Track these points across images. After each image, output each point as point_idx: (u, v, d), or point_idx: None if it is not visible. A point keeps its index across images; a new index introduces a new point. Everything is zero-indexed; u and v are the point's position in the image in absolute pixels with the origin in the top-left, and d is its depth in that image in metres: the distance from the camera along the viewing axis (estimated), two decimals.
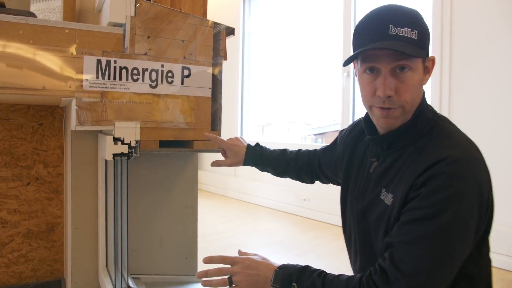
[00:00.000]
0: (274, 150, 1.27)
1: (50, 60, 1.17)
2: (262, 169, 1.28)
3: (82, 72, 1.20)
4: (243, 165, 1.27)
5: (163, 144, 1.31)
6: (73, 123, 1.22)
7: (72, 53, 1.19)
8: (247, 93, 4.49)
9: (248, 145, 1.28)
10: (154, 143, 1.29)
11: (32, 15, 1.22)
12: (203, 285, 0.91)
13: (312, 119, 3.84)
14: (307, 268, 0.89)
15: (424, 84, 0.91)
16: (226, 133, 1.40)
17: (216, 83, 1.39)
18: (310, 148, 1.32)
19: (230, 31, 1.43)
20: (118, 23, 1.26)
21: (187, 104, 1.34)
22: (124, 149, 1.24)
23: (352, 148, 1.07)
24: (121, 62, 1.25)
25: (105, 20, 1.33)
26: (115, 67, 1.24)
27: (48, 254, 1.61)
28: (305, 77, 3.83)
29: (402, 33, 0.82)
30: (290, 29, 3.94)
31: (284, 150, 1.27)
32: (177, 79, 1.32)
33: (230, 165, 1.28)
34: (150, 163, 1.53)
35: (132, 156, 1.26)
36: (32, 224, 1.58)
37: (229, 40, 1.48)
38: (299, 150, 1.27)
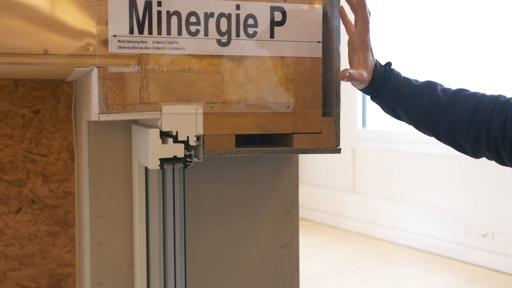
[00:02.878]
0: (415, 79, 1.37)
1: (54, 5, 1.20)
2: (387, 106, 1.36)
3: (106, 23, 1.23)
4: (369, 83, 1.34)
5: (242, 141, 1.34)
6: (93, 109, 1.25)
7: None
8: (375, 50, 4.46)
9: (377, 63, 1.37)
10: (228, 139, 1.31)
11: None
12: None
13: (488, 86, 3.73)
14: None
15: None
16: (341, 117, 1.40)
17: (329, 32, 1.39)
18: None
19: None
20: None
21: (282, 72, 1.35)
22: (179, 150, 1.26)
23: None
24: (170, 4, 1.27)
25: None
26: (159, 12, 1.26)
27: None
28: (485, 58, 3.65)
29: None
30: None
31: (432, 82, 1.35)
32: (264, 28, 1.33)
33: (361, 79, 1.34)
34: (220, 174, 1.55)
35: (191, 163, 1.28)
36: (26, 277, 1.59)
37: None
38: (464, 89, 1.34)
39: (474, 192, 3.69)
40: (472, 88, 1.31)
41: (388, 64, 1.35)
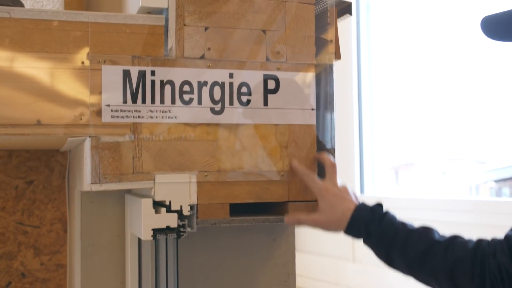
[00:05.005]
0: (410, 223, 1.33)
1: (48, 75, 1.21)
2: (378, 251, 1.34)
3: (99, 93, 1.24)
4: (345, 231, 1.33)
5: (237, 209, 1.33)
6: (85, 179, 1.25)
7: (83, 62, 1.24)
8: (369, 114, 4.40)
9: (362, 202, 1.34)
10: (222, 208, 1.31)
11: (18, 2, 1.27)
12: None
13: (489, 155, 3.66)
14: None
15: None
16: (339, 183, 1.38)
17: (323, 100, 1.40)
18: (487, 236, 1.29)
19: (345, 9, 1.43)
20: (155, 7, 1.30)
21: (276, 140, 1.35)
22: (172, 221, 1.25)
23: None
24: (163, 73, 1.29)
25: (133, 5, 1.37)
26: (153, 81, 1.28)
27: None
28: (472, 85, 3.67)
29: None
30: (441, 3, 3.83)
31: (428, 227, 1.32)
32: (257, 96, 1.34)
33: (317, 224, 1.34)
34: (215, 244, 1.52)
35: (185, 233, 1.27)
36: None
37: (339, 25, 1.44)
38: (457, 236, 1.31)
39: None
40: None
41: (379, 205, 1.34)
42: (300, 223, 1.34)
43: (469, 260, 1.24)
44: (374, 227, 1.29)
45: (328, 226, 1.33)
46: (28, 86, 1.20)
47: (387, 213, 1.32)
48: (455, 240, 1.28)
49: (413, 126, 4.13)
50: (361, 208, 1.31)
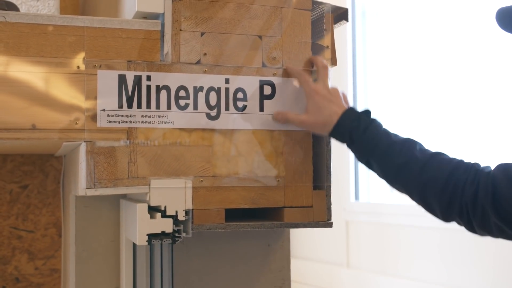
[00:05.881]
0: (395, 134, 1.34)
1: (43, 80, 1.21)
2: (361, 157, 1.35)
3: (95, 98, 1.24)
4: (329, 135, 1.35)
5: (232, 214, 1.33)
6: (80, 184, 1.25)
7: (78, 67, 1.24)
8: None
9: (350, 107, 1.35)
10: (217, 214, 1.30)
11: (13, 6, 1.28)
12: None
13: (489, 157, 3.64)
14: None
15: None
16: (334, 190, 1.38)
17: None
18: None
19: (341, 15, 1.43)
20: (151, 12, 1.30)
21: (271, 145, 1.35)
22: (167, 226, 1.25)
23: None
24: (159, 78, 1.29)
25: (128, 10, 1.36)
26: (148, 86, 1.28)
27: None
28: (468, 88, 3.67)
29: None
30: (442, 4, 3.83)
31: (412, 141, 1.33)
32: (253, 102, 1.34)
33: (303, 125, 1.35)
34: (210, 250, 1.53)
35: (180, 238, 1.27)
36: None
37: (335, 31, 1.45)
38: (442, 153, 1.32)
39: (471, 267, 3.66)
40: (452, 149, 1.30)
41: (367, 112, 1.35)
42: (288, 121, 1.34)
43: (442, 181, 1.26)
44: (357, 135, 1.31)
45: (314, 127, 1.35)
46: (23, 90, 1.19)
47: (373, 120, 1.33)
48: (435, 157, 1.30)
49: (409, 131, 4.13)
50: (348, 114, 1.32)
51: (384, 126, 1.34)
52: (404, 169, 1.29)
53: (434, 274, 3.91)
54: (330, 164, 1.39)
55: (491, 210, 1.17)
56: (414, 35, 4.06)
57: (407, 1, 4.11)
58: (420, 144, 1.32)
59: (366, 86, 4.44)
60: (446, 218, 1.29)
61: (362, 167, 4.45)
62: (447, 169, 1.27)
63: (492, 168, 1.23)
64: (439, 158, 1.30)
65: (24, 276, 1.65)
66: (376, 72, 4.40)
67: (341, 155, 4.32)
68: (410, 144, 1.31)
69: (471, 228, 1.27)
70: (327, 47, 1.39)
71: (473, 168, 1.25)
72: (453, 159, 1.29)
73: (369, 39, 4.44)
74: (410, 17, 4.09)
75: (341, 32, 4.23)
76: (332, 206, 1.39)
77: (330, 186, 1.39)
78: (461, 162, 1.28)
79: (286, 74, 1.36)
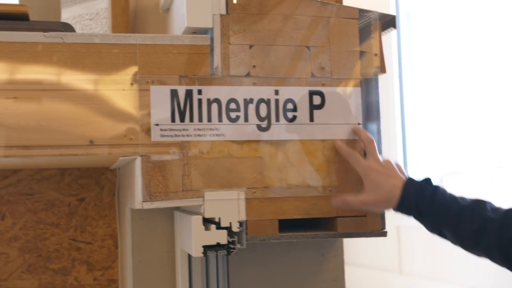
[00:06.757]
0: (461, 197, 1.28)
1: (99, 97, 1.24)
2: (432, 228, 1.30)
3: (148, 113, 1.27)
4: (396, 209, 1.30)
5: (285, 224, 1.33)
6: (137, 198, 1.27)
7: (132, 83, 1.26)
8: (412, 122, 4.37)
9: (409, 178, 1.30)
10: (271, 224, 1.31)
11: (69, 28, 1.32)
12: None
13: None
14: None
15: None
16: None
17: (369, 113, 1.40)
18: None
19: (388, 22, 1.43)
20: (200, 28, 1.32)
21: (323, 155, 1.35)
22: (222, 237, 1.26)
23: None
24: (210, 92, 1.30)
25: (178, 25, 1.39)
26: (200, 100, 1.30)
27: None
28: None
29: None
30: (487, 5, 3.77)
31: (481, 201, 1.26)
32: (303, 112, 1.35)
33: (365, 205, 1.32)
34: (264, 260, 1.53)
35: (234, 249, 1.27)
36: None
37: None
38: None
39: None
40: None
41: (427, 180, 1.30)
42: (348, 205, 1.32)
43: None
44: (424, 206, 1.26)
45: (377, 205, 1.31)
46: (81, 108, 1.22)
47: (437, 188, 1.28)
48: (510, 215, 1.23)
49: (458, 133, 4.07)
50: (410, 185, 1.28)
51: (448, 191, 1.29)
52: (482, 234, 1.23)
53: (491, 281, 3.84)
54: None
55: None
56: (461, 34, 4.01)
57: (453, 2, 4.06)
58: (489, 203, 1.26)
59: (413, 88, 4.39)
60: None
61: (411, 169, 4.41)
62: None
63: None
64: None
65: (83, 286, 1.68)
66: (423, 74, 4.35)
67: (388, 147, 4.29)
68: (480, 206, 1.25)
69: None
70: (376, 54, 1.39)
71: None
72: None
73: (414, 41, 4.40)
74: (457, 18, 4.04)
75: (386, 36, 4.20)
76: None
77: None
78: None
79: (335, 84, 1.36)
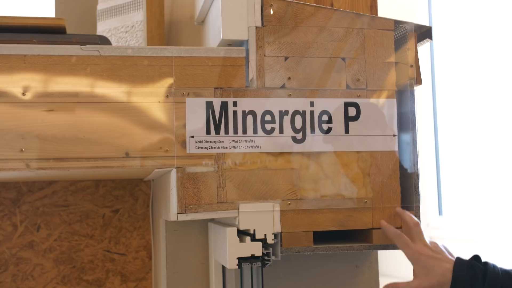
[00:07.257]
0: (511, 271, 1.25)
1: (134, 109, 1.25)
2: None
3: (184, 125, 1.27)
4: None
5: (319, 235, 1.33)
6: (172, 210, 1.27)
7: (167, 96, 1.27)
8: (445, 139, 4.31)
9: (458, 258, 1.26)
10: (305, 236, 1.31)
11: (106, 41, 1.33)
12: None
13: None
14: None
15: None
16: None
17: (405, 125, 1.39)
18: None
19: (424, 33, 1.42)
20: (236, 40, 1.32)
21: (358, 167, 1.35)
22: (257, 249, 1.26)
23: None
24: (245, 104, 1.30)
25: (213, 37, 1.40)
26: (235, 112, 1.30)
27: None
28: None
29: None
30: None
31: None
32: (338, 124, 1.34)
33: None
34: (298, 272, 1.52)
35: (269, 261, 1.27)
36: None
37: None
38: None
39: None
40: None
41: (477, 257, 1.27)
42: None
43: None
44: (479, 286, 1.23)
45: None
46: (116, 120, 1.23)
47: (487, 265, 1.25)
48: None
49: (492, 141, 4.02)
50: (460, 267, 1.24)
51: (497, 266, 1.27)
52: None
53: None
54: (418, 184, 1.37)
55: None
56: (496, 44, 3.97)
57: (487, 14, 4.02)
58: None
59: (448, 103, 4.35)
60: None
61: (444, 180, 4.35)
62: None
63: None
64: None
65: None
66: (456, 88, 4.31)
67: (421, 168, 4.24)
68: None
69: None
70: (411, 66, 1.38)
71: None
72: None
73: (447, 54, 4.36)
74: (486, 26, 4.00)
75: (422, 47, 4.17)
76: None
77: (419, 207, 1.37)
78: None
79: (370, 95, 1.35)
